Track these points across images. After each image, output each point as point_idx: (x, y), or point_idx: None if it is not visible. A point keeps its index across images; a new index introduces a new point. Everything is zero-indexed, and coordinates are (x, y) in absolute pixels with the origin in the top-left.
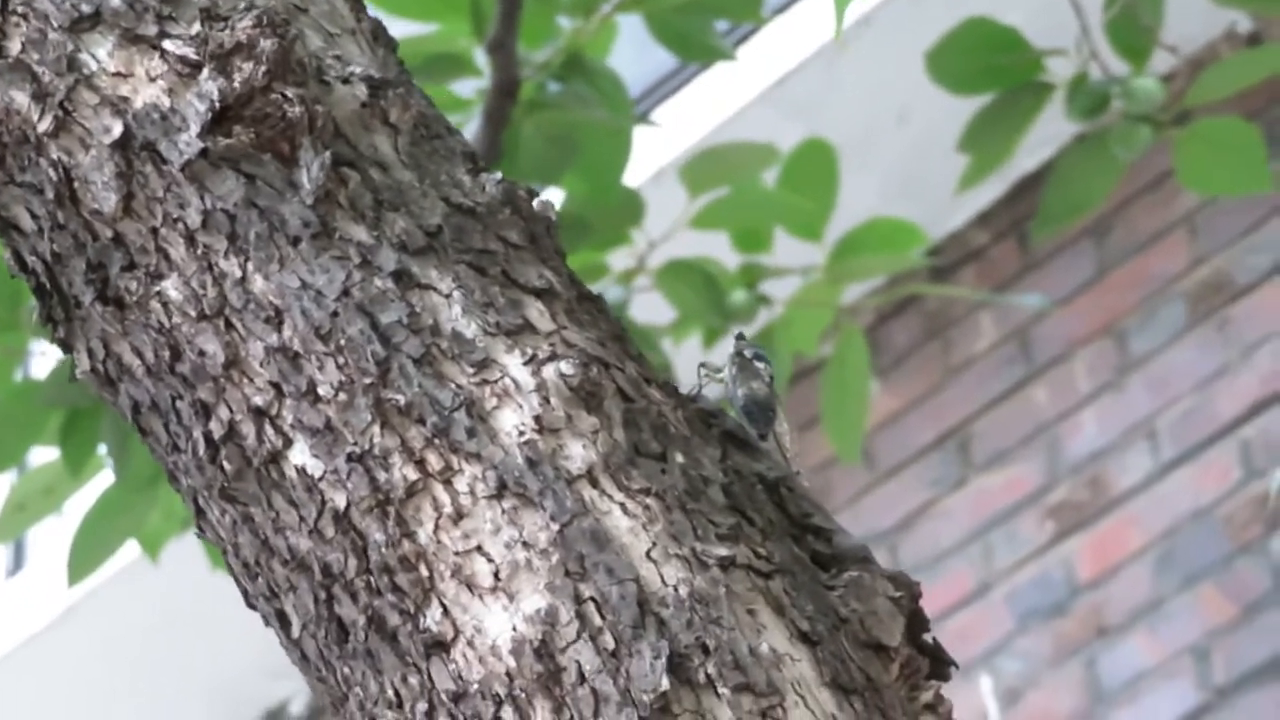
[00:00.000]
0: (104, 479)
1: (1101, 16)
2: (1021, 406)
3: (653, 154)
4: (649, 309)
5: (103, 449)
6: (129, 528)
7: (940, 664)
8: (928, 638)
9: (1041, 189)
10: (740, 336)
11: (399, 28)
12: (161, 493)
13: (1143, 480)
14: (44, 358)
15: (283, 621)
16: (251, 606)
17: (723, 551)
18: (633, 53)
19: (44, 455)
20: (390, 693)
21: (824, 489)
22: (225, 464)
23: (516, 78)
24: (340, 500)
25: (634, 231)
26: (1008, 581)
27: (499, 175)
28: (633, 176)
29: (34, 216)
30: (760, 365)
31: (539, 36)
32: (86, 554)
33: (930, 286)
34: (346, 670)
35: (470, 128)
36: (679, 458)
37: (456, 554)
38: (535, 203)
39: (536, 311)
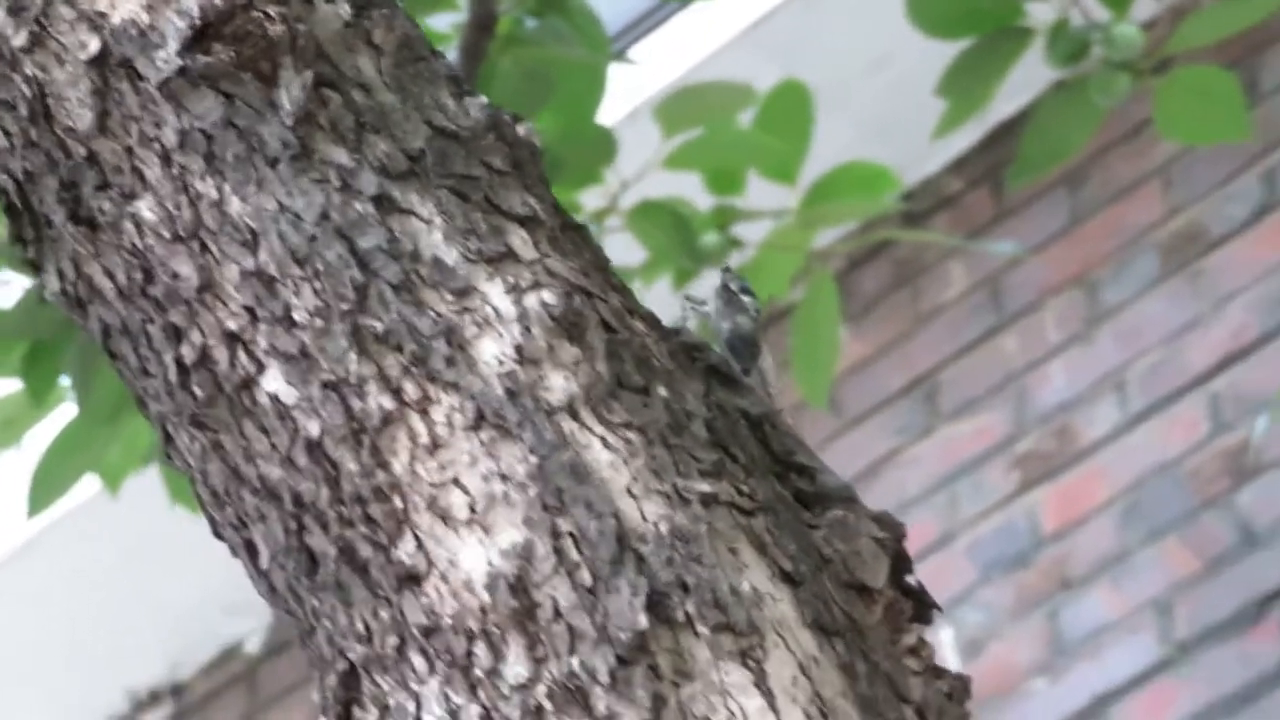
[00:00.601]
0: (66, 411)
1: None
2: (990, 356)
3: (627, 93)
4: (620, 249)
5: (66, 380)
6: (90, 461)
7: (923, 607)
8: (911, 580)
9: (1017, 136)
10: (727, 269)
11: None
12: (124, 426)
13: (1110, 432)
14: (7, 288)
15: (251, 552)
16: (219, 536)
17: (705, 488)
18: None
19: (6, 386)
20: (360, 626)
21: None
22: (196, 390)
23: (494, 12)
24: (314, 429)
25: (606, 171)
26: (971, 532)
27: (484, 99)
28: (607, 115)
29: (6, 133)
30: (746, 299)
31: None
32: (47, 486)
33: (904, 232)
34: (315, 602)
35: None
36: (662, 391)
37: (432, 485)
38: (520, 129)
39: (519, 239)
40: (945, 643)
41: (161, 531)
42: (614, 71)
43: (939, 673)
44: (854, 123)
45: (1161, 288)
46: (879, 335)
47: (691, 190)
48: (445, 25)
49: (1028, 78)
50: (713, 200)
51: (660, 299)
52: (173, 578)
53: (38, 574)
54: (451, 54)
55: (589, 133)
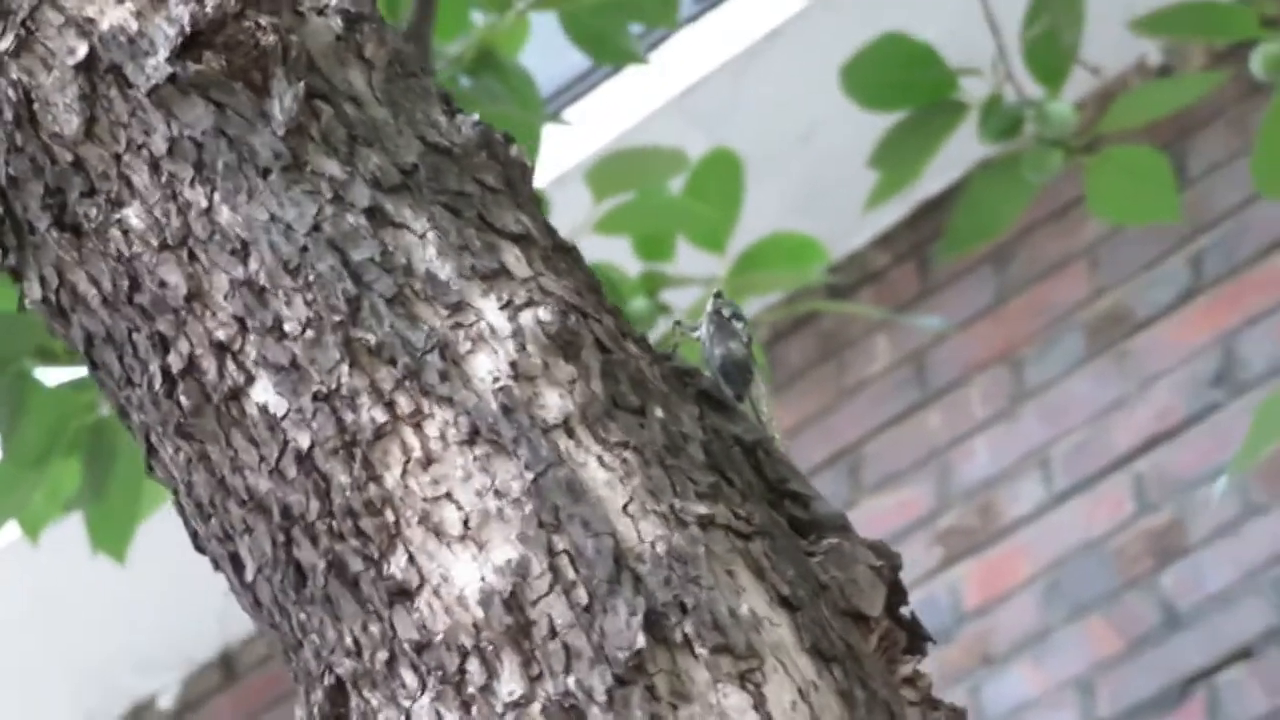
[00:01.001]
0: None
1: (1018, 36)
2: (914, 430)
3: (557, 157)
4: None
5: None
6: (13, 507)
7: (917, 638)
8: (905, 610)
9: (943, 213)
10: (719, 295)
11: None
12: (48, 472)
13: (1034, 509)
14: None
15: (236, 565)
16: (201, 550)
17: (702, 510)
18: (540, 58)
19: None
20: (349, 641)
21: None
22: (183, 399)
23: (430, 70)
24: (304, 440)
25: None
26: None
27: (475, 117)
28: (537, 178)
29: None
30: (738, 325)
31: (452, 30)
32: None
33: (831, 304)
34: (303, 616)
35: None
36: (658, 412)
37: (425, 500)
38: (511, 149)
39: (513, 257)
40: None
41: (78, 582)
42: (545, 134)
43: (936, 704)
44: (782, 193)
45: (1087, 367)
46: (803, 407)
47: (621, 255)
48: None
49: (954, 156)
50: (642, 266)
51: None
52: (87, 630)
53: None
54: None
55: None
